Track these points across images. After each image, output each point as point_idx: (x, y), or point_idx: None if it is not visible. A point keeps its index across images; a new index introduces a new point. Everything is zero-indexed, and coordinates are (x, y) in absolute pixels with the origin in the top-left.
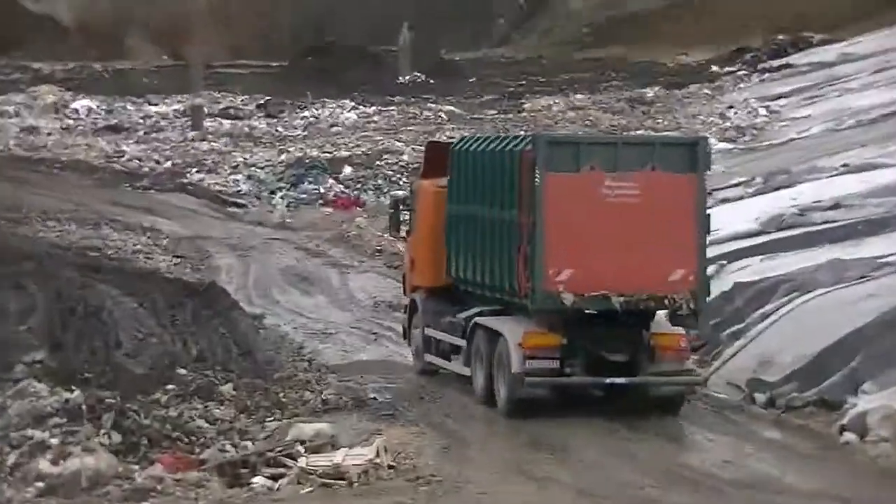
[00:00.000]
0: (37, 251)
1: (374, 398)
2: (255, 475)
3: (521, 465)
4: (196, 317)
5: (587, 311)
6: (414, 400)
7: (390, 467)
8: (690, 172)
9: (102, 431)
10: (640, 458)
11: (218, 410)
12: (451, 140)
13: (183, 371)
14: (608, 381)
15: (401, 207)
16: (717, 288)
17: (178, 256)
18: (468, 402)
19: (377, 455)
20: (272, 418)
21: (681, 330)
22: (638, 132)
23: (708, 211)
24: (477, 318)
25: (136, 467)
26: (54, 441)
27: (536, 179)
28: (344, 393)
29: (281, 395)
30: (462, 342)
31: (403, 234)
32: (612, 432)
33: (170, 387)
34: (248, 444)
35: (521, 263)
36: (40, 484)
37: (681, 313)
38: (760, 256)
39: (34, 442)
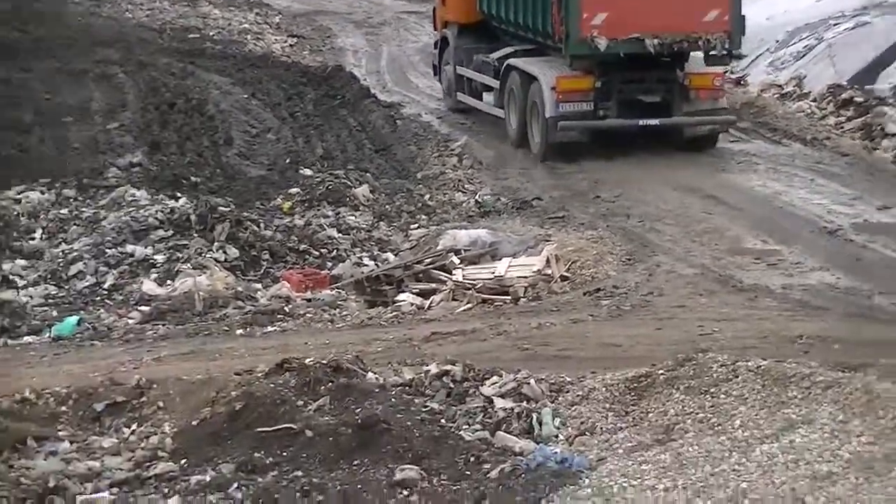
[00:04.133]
0: (125, 34)
1: (539, 198)
2: (402, 291)
3: (723, 271)
4: (320, 107)
5: (621, 55)
6: (588, 200)
7: (563, 279)
8: None
9: (217, 245)
10: (865, 260)
11: (352, 217)
12: None
13: (308, 171)
14: (641, 122)
15: None
16: None
17: (294, 36)
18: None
19: (547, 265)
20: (417, 225)
21: (716, 69)
22: None
23: None
24: (510, 60)
25: (259, 286)
26: (159, 258)
27: None
28: (502, 193)
29: (427, 197)
30: (495, 82)
31: None
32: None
33: (293, 191)
34: (390, 256)
35: (555, 7)
36: (145, 308)
37: (715, 53)
38: None
39: (136, 259)
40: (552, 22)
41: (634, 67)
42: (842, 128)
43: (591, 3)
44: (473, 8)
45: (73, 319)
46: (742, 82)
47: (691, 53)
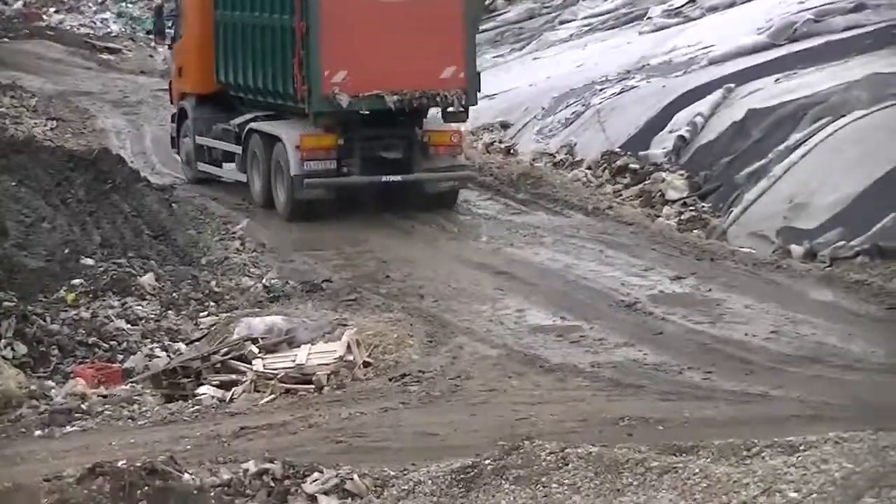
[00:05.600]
0: None
1: (329, 280)
2: (201, 384)
3: (528, 351)
4: (91, 193)
5: (363, 111)
6: (378, 280)
7: (366, 364)
8: None
9: (3, 342)
10: (667, 334)
11: (139, 307)
12: None
13: (89, 261)
14: (384, 178)
15: (163, 14)
16: (726, 117)
17: (53, 119)
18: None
19: (348, 350)
20: (207, 313)
21: (453, 126)
22: None
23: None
24: (252, 124)
25: (51, 383)
26: None
27: None
28: (290, 276)
29: (213, 283)
30: (237, 148)
31: (168, 41)
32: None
33: (76, 282)
34: (182, 346)
35: (296, 68)
36: None
37: (452, 109)
38: (775, 76)
39: None
40: (293, 82)
41: (376, 124)
42: (620, 195)
43: (331, 61)
44: (210, 78)
45: None
46: (512, 152)
47: (430, 110)
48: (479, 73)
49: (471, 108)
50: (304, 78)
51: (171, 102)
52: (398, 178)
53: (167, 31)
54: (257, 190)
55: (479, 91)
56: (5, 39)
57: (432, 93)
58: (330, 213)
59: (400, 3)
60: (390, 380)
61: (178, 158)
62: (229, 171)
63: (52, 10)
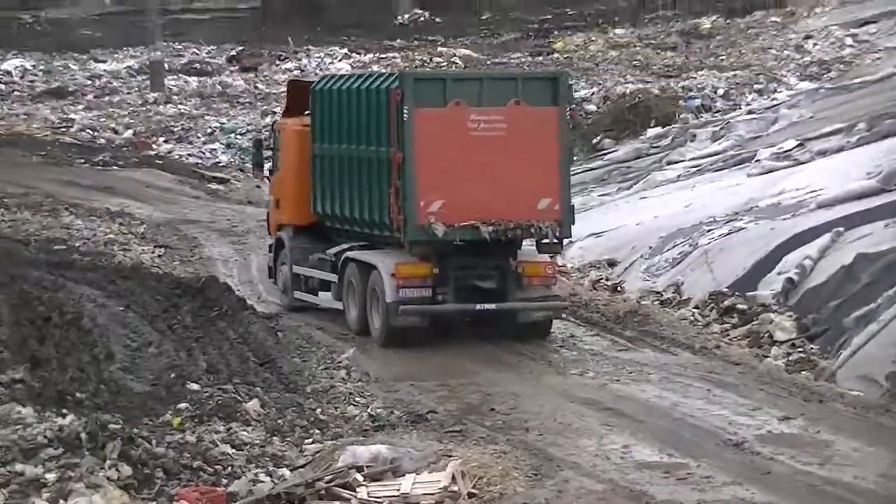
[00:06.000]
0: None
1: (434, 411)
2: None
3: (634, 486)
4: (198, 319)
5: (458, 241)
6: (483, 413)
7: (471, 496)
8: (553, 105)
9: (108, 463)
10: (775, 474)
11: (244, 433)
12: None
13: (195, 386)
14: (478, 307)
15: (262, 147)
16: (835, 261)
17: (161, 246)
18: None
19: (453, 481)
20: (311, 440)
21: (547, 257)
22: (699, 72)
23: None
24: (348, 253)
25: None
26: (50, 476)
27: (405, 115)
28: (395, 406)
29: (318, 411)
30: (333, 276)
31: (266, 174)
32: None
33: (182, 406)
34: (286, 472)
35: (392, 197)
36: None
37: (546, 241)
38: (884, 221)
39: (26, 479)
40: (389, 211)
41: (470, 254)
42: (727, 335)
43: (427, 191)
44: (307, 210)
45: None
46: (619, 289)
47: (523, 241)
48: (573, 206)
49: (578, 245)
50: (399, 208)
51: (269, 233)
52: (492, 306)
53: (266, 164)
54: (353, 317)
55: (574, 223)
56: (115, 167)
57: (527, 224)
58: (424, 340)
59: (496, 136)
60: None
61: (275, 287)
62: (325, 299)
63: (161, 139)
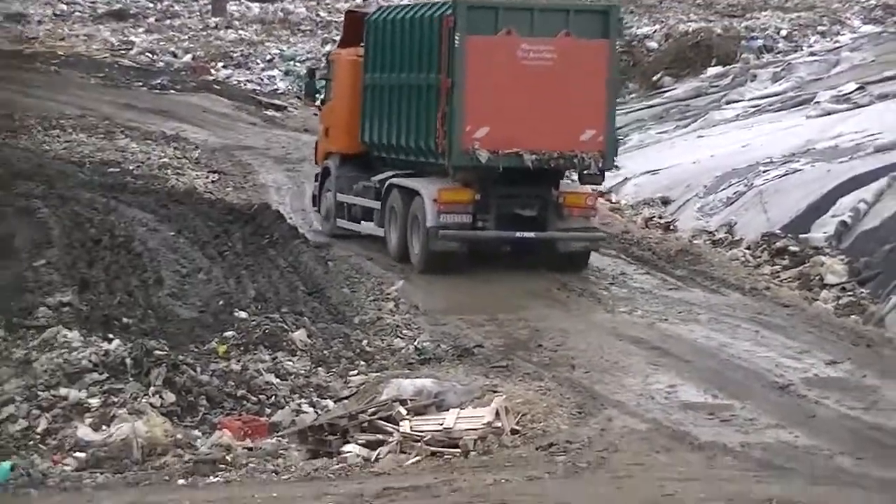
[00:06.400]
0: (44, 167)
1: (481, 346)
2: (347, 442)
3: (677, 427)
4: (248, 247)
5: (500, 168)
6: (530, 349)
7: (514, 432)
8: (603, 38)
9: (152, 390)
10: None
11: (289, 363)
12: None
13: (242, 314)
14: (518, 234)
15: (316, 76)
16: (890, 205)
17: (215, 172)
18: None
19: (496, 417)
20: (356, 372)
21: (588, 189)
22: (763, 13)
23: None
24: (392, 179)
25: (198, 433)
26: (94, 402)
27: (456, 42)
28: (442, 339)
29: (365, 342)
30: (376, 203)
31: (318, 102)
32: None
33: (228, 334)
34: (330, 403)
35: (439, 122)
36: (81, 454)
37: (589, 172)
38: None
39: (69, 403)
40: (435, 136)
41: (512, 182)
42: (778, 277)
43: (473, 117)
44: (356, 139)
45: (6, 465)
46: (671, 227)
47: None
48: (617, 139)
49: (633, 182)
50: (445, 132)
51: (316, 162)
52: (531, 234)
53: (317, 94)
54: (393, 243)
55: (617, 155)
56: (172, 91)
57: (570, 154)
58: (463, 266)
59: (544, 66)
60: (537, 448)
61: (317, 214)
62: (367, 227)
63: (220, 64)
